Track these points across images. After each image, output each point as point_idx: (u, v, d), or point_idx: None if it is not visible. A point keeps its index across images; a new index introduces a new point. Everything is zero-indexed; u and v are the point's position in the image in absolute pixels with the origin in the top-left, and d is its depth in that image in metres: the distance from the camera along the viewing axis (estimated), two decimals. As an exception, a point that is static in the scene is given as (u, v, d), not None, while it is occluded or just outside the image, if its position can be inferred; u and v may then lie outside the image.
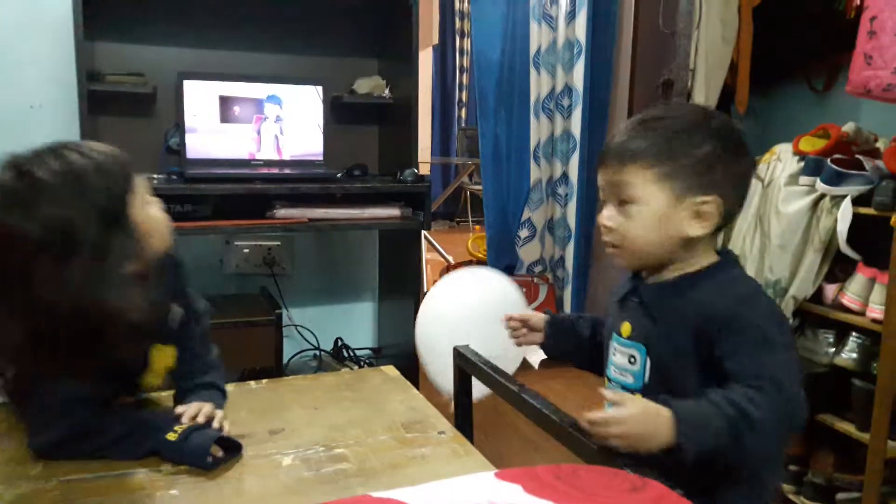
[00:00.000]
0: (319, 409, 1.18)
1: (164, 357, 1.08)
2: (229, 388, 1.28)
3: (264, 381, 1.33)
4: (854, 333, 1.79)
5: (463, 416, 1.31)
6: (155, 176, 2.11)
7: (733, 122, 1.02)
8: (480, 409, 1.36)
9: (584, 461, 0.91)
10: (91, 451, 0.99)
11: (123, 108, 2.27)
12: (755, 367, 0.86)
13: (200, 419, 1.02)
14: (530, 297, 3.17)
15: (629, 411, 0.82)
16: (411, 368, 2.34)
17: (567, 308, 3.19)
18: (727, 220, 0.97)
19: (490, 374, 1.20)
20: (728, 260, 0.99)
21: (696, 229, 0.94)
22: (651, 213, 0.94)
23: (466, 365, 1.30)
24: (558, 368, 2.79)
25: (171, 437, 0.98)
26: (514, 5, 3.08)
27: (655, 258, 0.98)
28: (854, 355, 1.79)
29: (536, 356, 2.45)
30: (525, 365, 2.62)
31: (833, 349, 1.86)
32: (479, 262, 2.08)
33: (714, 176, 0.94)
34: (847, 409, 1.82)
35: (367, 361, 2.68)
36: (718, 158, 0.94)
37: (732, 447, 0.83)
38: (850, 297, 1.79)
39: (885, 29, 1.65)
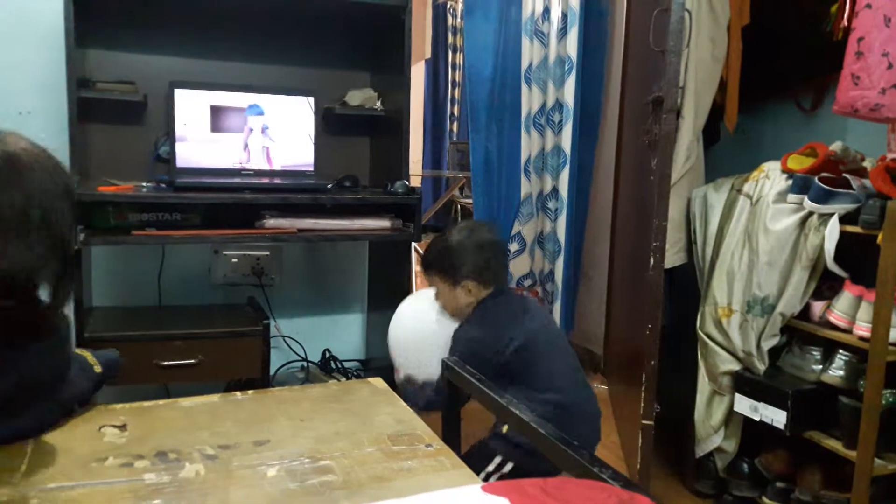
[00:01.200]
0: (306, 421, 1.17)
1: None
2: (214, 398, 1.27)
3: (250, 392, 1.31)
4: (841, 351, 1.80)
5: (450, 429, 1.31)
6: (144, 184, 2.10)
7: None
8: (468, 421, 1.35)
9: (571, 475, 0.90)
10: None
11: (113, 115, 2.26)
12: None
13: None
14: (519, 311, 3.16)
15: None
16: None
17: (556, 322, 3.19)
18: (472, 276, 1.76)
19: (478, 387, 1.20)
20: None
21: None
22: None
23: (455, 378, 1.30)
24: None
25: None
26: (506, 22, 3.10)
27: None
28: (841, 373, 1.79)
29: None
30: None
31: (820, 366, 1.87)
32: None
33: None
34: (834, 427, 1.82)
35: (354, 373, 2.66)
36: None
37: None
38: (837, 315, 1.80)
39: (872, 50, 1.68)
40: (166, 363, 1.98)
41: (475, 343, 1.70)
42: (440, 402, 1.49)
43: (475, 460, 1.63)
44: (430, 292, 1.90)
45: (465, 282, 1.76)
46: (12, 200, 0.95)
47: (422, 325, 1.89)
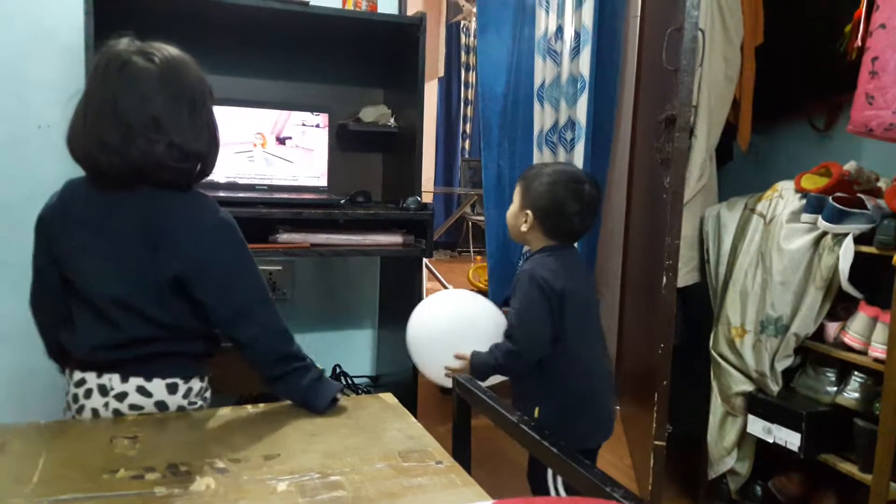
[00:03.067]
0: (316, 436, 1.17)
1: None
2: (226, 411, 1.27)
3: (261, 405, 1.32)
4: (856, 372, 1.78)
5: (461, 447, 1.30)
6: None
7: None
8: (478, 439, 1.35)
9: (582, 493, 0.89)
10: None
11: (130, 130, 2.28)
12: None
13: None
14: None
15: (464, 364, 1.69)
16: (410, 396, 2.33)
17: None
18: (547, 224, 1.70)
19: (489, 404, 1.19)
20: (551, 251, 1.71)
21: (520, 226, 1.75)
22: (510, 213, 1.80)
23: (466, 395, 1.29)
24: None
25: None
26: (519, 40, 3.12)
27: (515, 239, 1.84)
28: (856, 395, 1.77)
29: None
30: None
31: (835, 388, 1.85)
32: (480, 292, 2.12)
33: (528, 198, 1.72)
34: (849, 450, 1.80)
35: (365, 389, 2.66)
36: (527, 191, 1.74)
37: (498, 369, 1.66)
38: (851, 336, 1.78)
39: (886, 69, 1.67)
40: (177, 376, 1.99)
41: (529, 276, 1.65)
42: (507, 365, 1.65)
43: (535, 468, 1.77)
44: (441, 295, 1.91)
45: (529, 211, 1.70)
46: (188, 89, 1.22)
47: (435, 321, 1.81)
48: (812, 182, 1.94)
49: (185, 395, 1.27)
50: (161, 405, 1.24)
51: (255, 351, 1.27)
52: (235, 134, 2.28)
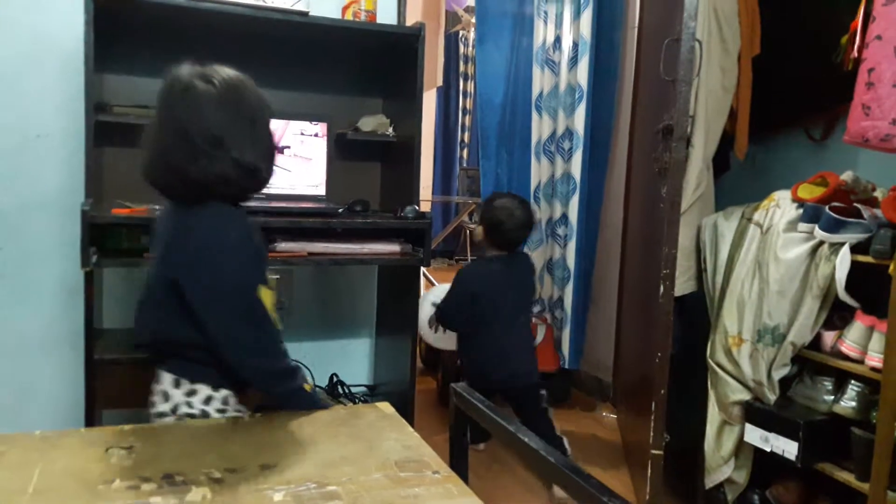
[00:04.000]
0: (312, 446, 1.17)
1: (267, 296, 1.33)
2: (222, 420, 1.27)
3: (258, 414, 1.31)
4: (853, 381, 1.79)
5: (458, 457, 1.30)
6: (157, 207, 2.12)
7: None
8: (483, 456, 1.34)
9: (579, 504, 0.89)
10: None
11: (129, 139, 2.27)
12: None
13: None
14: (528, 337, 3.16)
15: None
16: (407, 406, 2.32)
17: (565, 349, 3.18)
18: (493, 237, 2.45)
19: (487, 414, 1.19)
20: (491, 259, 2.48)
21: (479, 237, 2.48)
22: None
23: (464, 405, 1.29)
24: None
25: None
26: (517, 50, 3.14)
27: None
28: (853, 403, 1.77)
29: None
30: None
31: (832, 397, 1.85)
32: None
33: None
34: (847, 458, 1.80)
35: (361, 398, 2.65)
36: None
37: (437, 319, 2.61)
38: (848, 345, 1.78)
39: (882, 80, 1.68)
40: (175, 385, 1.98)
41: (460, 275, 2.50)
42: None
43: None
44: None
45: (481, 227, 2.50)
46: (246, 107, 1.32)
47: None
48: (809, 192, 1.95)
49: (189, 395, 1.30)
50: (164, 395, 1.32)
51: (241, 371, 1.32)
52: (234, 143, 2.28)
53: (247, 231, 1.32)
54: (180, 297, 1.25)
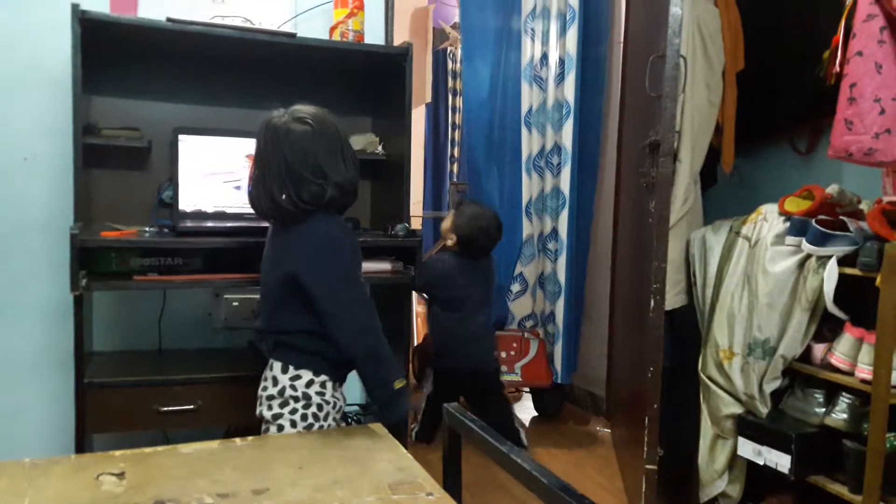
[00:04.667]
0: (305, 469, 1.17)
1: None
2: (214, 444, 1.26)
3: (250, 438, 1.31)
4: (844, 393, 1.80)
5: (452, 478, 1.29)
6: (147, 229, 2.11)
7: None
8: (470, 468, 1.34)
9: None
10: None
11: (118, 161, 2.29)
12: None
13: None
14: (520, 352, 3.16)
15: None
16: (399, 426, 2.31)
17: (558, 364, 3.18)
18: (467, 247, 2.69)
19: (480, 434, 1.19)
20: (457, 255, 2.73)
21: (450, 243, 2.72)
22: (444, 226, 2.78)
23: (457, 425, 1.29)
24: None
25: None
26: (505, 67, 3.16)
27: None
28: (844, 416, 1.78)
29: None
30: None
31: (823, 409, 1.85)
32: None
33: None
34: (839, 470, 1.80)
35: (354, 418, 2.64)
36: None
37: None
38: (838, 357, 1.79)
39: (864, 95, 1.71)
40: (165, 408, 1.97)
41: (426, 266, 2.59)
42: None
43: None
44: None
45: (452, 233, 2.72)
46: (334, 136, 1.59)
47: None
48: (795, 205, 1.97)
49: (293, 380, 1.56)
50: (274, 380, 1.59)
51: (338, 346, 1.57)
52: (223, 164, 2.28)
53: (348, 232, 1.62)
54: (298, 290, 1.52)
